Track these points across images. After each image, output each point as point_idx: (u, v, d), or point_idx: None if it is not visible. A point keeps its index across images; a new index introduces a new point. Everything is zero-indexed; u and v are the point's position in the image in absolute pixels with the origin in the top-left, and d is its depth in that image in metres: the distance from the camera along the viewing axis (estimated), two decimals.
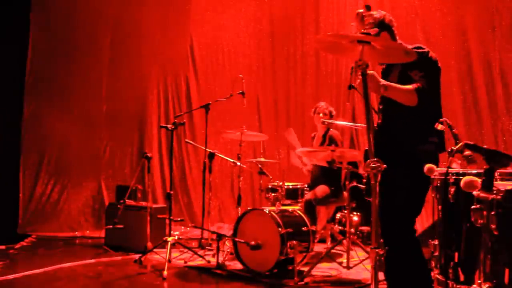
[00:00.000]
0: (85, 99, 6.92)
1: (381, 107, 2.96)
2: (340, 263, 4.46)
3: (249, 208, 4.62)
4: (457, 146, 1.99)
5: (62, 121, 6.72)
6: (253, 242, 4.26)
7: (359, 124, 5.35)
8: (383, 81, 2.64)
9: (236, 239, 4.44)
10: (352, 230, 4.81)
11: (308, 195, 5.07)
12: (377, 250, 1.89)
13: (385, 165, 2.11)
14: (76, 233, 6.50)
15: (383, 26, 3.00)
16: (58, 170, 6.82)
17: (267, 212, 4.38)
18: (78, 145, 6.81)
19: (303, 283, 3.97)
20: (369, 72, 2.47)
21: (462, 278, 2.46)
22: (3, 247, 5.38)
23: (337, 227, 5.06)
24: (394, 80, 2.80)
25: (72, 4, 7.00)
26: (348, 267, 4.26)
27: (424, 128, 2.76)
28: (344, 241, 4.45)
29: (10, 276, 4.13)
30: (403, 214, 2.82)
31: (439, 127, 2.37)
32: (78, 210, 6.74)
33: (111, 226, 5.36)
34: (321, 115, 5.23)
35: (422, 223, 5.61)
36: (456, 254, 2.48)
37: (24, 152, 6.76)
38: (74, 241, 6.12)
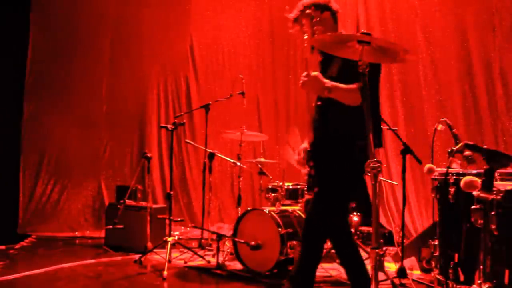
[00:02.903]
0: (85, 99, 6.91)
1: (319, 103, 2.82)
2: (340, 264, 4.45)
3: (249, 208, 4.62)
4: (457, 146, 1.99)
5: (62, 121, 6.72)
6: (253, 242, 4.27)
7: None
8: (327, 83, 2.51)
9: (236, 239, 4.44)
10: (352, 230, 4.82)
11: (308, 195, 5.05)
12: (377, 250, 1.89)
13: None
14: (76, 233, 6.50)
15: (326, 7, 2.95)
16: (58, 170, 6.81)
17: (267, 212, 4.38)
18: (78, 145, 6.80)
19: None
20: (313, 73, 2.44)
21: (462, 278, 2.46)
22: (3, 247, 5.38)
23: None
24: (334, 74, 2.69)
25: (72, 4, 7.00)
26: None
27: (362, 124, 2.71)
28: None
29: (11, 276, 4.12)
30: (333, 210, 2.87)
31: (439, 127, 2.36)
32: (78, 210, 6.74)
33: (111, 226, 5.36)
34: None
35: (422, 223, 5.62)
36: (456, 254, 2.48)
37: (24, 152, 6.76)
38: (74, 241, 6.12)
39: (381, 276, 3.80)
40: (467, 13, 5.66)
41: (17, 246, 5.59)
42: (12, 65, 6.54)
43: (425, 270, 4.24)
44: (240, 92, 5.30)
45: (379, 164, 1.90)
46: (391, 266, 4.49)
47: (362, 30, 2.48)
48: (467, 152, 2.21)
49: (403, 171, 4.03)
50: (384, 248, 4.48)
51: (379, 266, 1.87)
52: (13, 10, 6.60)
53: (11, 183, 6.59)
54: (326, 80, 2.52)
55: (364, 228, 5.40)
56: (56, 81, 6.89)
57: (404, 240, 4.11)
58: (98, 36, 7.03)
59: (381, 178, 5.05)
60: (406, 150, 3.98)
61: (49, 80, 6.87)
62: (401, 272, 3.91)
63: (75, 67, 6.94)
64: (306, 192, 5.11)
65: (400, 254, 4.01)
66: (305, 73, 2.50)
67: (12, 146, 6.55)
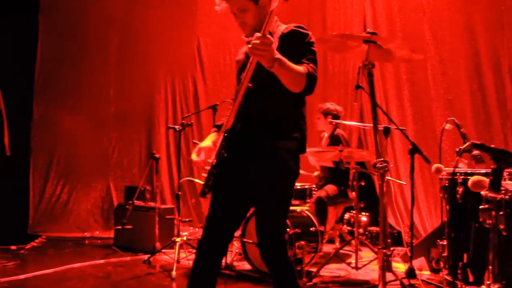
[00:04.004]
0: (94, 100, 6.95)
1: (250, 85, 2.33)
2: (349, 264, 4.45)
3: None
4: (464, 146, 1.98)
5: (71, 122, 6.76)
6: None
7: (367, 124, 5.33)
8: (278, 54, 2.07)
9: (245, 240, 4.44)
10: (361, 230, 4.80)
11: (318, 193, 5.05)
12: (384, 250, 1.88)
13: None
14: (86, 233, 6.53)
15: None
16: (67, 171, 6.86)
17: None
18: (87, 146, 6.84)
19: (311, 283, 3.96)
20: (267, 36, 1.97)
21: (471, 278, 2.45)
22: (14, 247, 5.44)
23: (345, 228, 5.05)
24: None
25: (80, 6, 7.04)
26: (356, 268, 4.26)
27: (290, 121, 2.40)
28: (353, 242, 4.44)
29: (21, 276, 4.16)
30: (272, 225, 2.35)
31: (447, 126, 2.35)
32: (87, 211, 6.78)
33: (120, 227, 5.40)
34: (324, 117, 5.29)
35: (431, 223, 5.59)
36: (465, 254, 2.46)
37: (33, 153, 6.81)
38: (84, 241, 6.16)
39: (390, 276, 3.79)
40: (476, 11, 5.62)
41: (28, 246, 5.65)
42: (21, 66, 6.58)
43: (435, 271, 4.21)
44: None
45: (385, 164, 1.89)
46: (400, 267, 4.47)
47: (368, 29, 2.42)
48: (476, 152, 2.19)
49: (411, 171, 4.00)
50: (391, 248, 4.46)
51: (386, 266, 1.87)
52: (22, 11, 6.64)
53: (21, 184, 6.65)
54: (276, 51, 2.08)
55: (373, 228, 5.39)
56: (65, 82, 6.93)
57: (413, 240, 4.09)
58: (106, 37, 7.08)
59: (389, 178, 5.03)
60: (414, 150, 3.95)
61: (57, 81, 6.92)
62: (410, 273, 3.88)
63: (83, 68, 6.98)
64: (314, 192, 5.13)
65: (409, 254, 3.99)
66: (259, 34, 1.98)
67: (22, 147, 6.59)
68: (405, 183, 5.41)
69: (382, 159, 1.88)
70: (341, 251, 4.75)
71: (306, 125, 2.46)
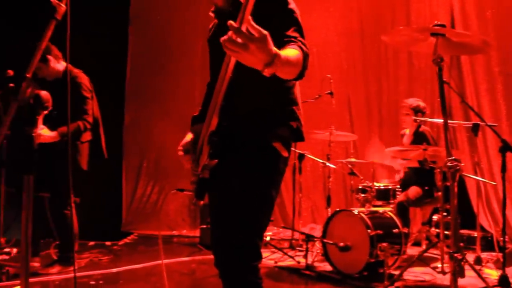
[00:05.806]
0: (180, 103, 7.13)
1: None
2: (434, 268, 4.23)
3: (337, 209, 4.56)
4: None
5: (159, 126, 7.07)
6: (342, 244, 4.21)
7: (455, 121, 5.06)
8: (275, 49, 1.47)
9: (325, 241, 4.40)
10: (450, 232, 4.55)
11: (400, 197, 4.88)
12: (455, 254, 1.78)
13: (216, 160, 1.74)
14: (174, 232, 6.78)
15: None
16: (157, 172, 7.18)
17: (356, 213, 4.29)
18: (175, 148, 7.06)
19: (393, 287, 3.83)
20: (261, 33, 1.38)
21: None
22: (108, 243, 5.79)
23: (433, 230, 4.83)
24: None
25: (166, 15, 7.34)
26: (443, 272, 4.04)
27: (282, 110, 2.02)
28: (440, 245, 4.22)
29: (114, 270, 4.45)
30: (246, 230, 1.91)
31: None
32: (175, 210, 7.02)
33: (205, 226, 5.58)
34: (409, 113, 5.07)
35: None
36: None
37: (125, 156, 7.24)
38: (172, 239, 6.40)
39: (480, 283, 3.57)
40: None
41: (121, 242, 6.00)
42: (112, 76, 6.95)
43: None
44: (329, 92, 5.26)
45: (456, 163, 1.79)
46: (492, 273, 4.18)
47: (436, 22, 2.28)
48: None
49: (502, 170, 3.74)
50: (464, 252, 4.18)
51: (459, 272, 1.76)
52: (113, 24, 7.04)
53: (115, 185, 7.13)
54: (273, 47, 1.47)
55: (464, 231, 5.09)
56: (153, 88, 7.26)
57: (508, 245, 3.81)
58: (190, 42, 7.25)
59: (478, 178, 4.72)
60: (505, 148, 3.69)
61: (146, 88, 7.28)
62: (503, 280, 3.62)
63: (170, 73, 7.26)
64: (398, 193, 4.93)
65: (501, 260, 3.72)
66: (239, 26, 1.37)
67: (115, 151, 6.99)
68: (494, 183, 5.05)
69: (453, 157, 1.78)
70: (428, 254, 4.54)
71: (301, 110, 2.10)
